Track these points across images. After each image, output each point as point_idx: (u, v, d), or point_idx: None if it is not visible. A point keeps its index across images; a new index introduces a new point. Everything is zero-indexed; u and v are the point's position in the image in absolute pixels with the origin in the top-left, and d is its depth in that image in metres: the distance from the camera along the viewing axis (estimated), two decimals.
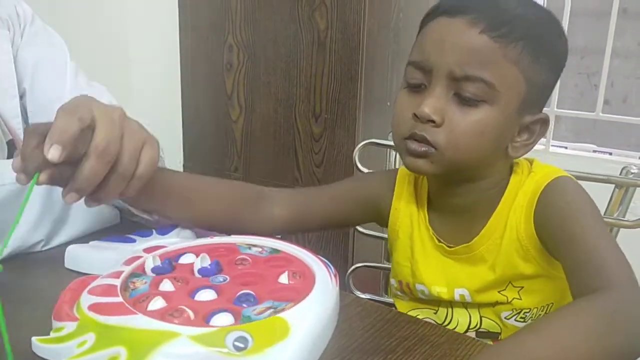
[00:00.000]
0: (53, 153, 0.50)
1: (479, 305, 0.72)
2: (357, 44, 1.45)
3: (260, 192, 0.77)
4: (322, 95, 1.52)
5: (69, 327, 0.48)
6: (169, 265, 0.57)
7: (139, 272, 0.56)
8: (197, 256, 0.57)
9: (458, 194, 0.69)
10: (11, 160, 0.72)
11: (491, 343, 0.71)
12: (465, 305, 0.73)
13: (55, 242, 0.72)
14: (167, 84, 1.81)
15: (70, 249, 0.66)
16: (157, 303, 0.49)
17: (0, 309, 0.41)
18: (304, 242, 1.64)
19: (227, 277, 0.55)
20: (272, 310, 0.48)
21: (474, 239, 0.69)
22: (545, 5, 1.83)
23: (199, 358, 0.43)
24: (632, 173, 0.87)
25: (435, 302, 0.74)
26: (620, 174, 0.88)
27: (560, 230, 0.62)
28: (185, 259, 0.59)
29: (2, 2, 0.81)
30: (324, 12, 1.47)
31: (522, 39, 0.61)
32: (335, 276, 0.56)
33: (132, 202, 0.68)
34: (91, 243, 0.67)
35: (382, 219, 0.78)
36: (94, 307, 0.48)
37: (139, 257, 0.58)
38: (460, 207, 0.70)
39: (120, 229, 0.78)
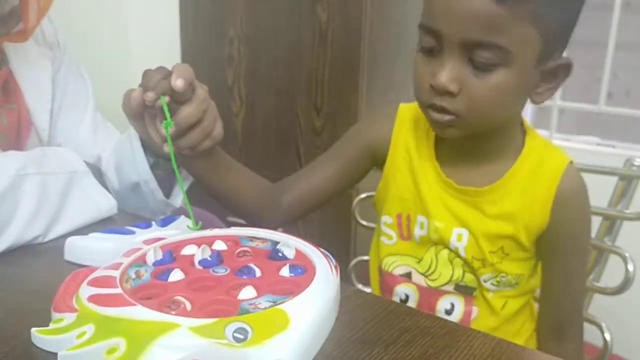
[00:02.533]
0: (179, 82, 0.63)
1: (464, 261, 0.73)
2: (358, 36, 1.44)
3: (270, 186, 0.81)
4: (324, 88, 1.52)
5: (69, 318, 0.47)
6: (170, 257, 0.57)
7: (141, 263, 0.56)
8: (199, 248, 0.57)
9: (477, 139, 0.70)
10: (5, 152, 0.73)
11: (462, 299, 0.75)
12: (450, 259, 0.74)
13: (53, 235, 0.72)
14: None
15: (70, 240, 0.66)
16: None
17: None
18: (305, 235, 1.63)
19: (227, 268, 0.55)
20: (271, 304, 0.48)
21: (485, 187, 0.71)
22: None
23: (198, 349, 0.42)
24: (635, 165, 0.87)
25: (425, 243, 0.75)
26: (623, 167, 0.88)
27: (569, 241, 0.71)
28: (187, 251, 0.59)
29: (47, 31, 0.93)
30: (325, 4, 1.46)
31: None
32: (336, 267, 0.56)
33: (204, 179, 0.76)
34: (91, 235, 0.66)
35: (380, 161, 0.80)
36: (93, 299, 0.48)
37: (138, 249, 0.58)
38: (476, 151, 0.72)
39: (118, 221, 0.78)
